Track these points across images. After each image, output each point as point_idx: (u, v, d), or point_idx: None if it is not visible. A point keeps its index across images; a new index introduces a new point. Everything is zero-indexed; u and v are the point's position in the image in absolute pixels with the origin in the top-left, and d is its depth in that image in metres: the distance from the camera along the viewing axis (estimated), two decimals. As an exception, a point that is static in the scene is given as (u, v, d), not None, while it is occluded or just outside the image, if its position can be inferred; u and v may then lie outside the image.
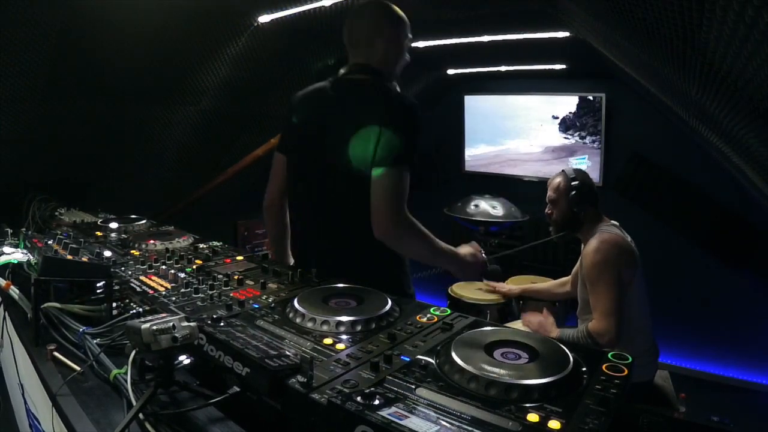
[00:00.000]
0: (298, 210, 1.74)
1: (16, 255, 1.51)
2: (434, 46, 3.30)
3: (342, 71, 1.66)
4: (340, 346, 0.96)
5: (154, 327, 0.85)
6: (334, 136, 1.56)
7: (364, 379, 0.83)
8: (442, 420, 0.70)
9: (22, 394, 1.46)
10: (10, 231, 1.91)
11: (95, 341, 1.10)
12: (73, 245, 1.56)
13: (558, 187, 2.19)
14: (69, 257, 1.47)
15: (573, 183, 2.13)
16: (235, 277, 1.36)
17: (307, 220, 1.69)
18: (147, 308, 1.18)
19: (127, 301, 1.28)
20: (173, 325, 0.87)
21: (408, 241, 1.52)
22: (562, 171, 2.23)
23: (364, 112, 1.53)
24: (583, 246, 2.20)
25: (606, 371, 0.85)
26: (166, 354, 0.90)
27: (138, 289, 1.30)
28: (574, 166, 3.19)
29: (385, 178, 1.46)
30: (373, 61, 1.61)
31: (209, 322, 0.99)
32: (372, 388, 0.76)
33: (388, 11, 1.63)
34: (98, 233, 1.94)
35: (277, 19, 2.56)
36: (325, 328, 1.04)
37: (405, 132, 1.50)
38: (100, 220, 2.20)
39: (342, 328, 1.03)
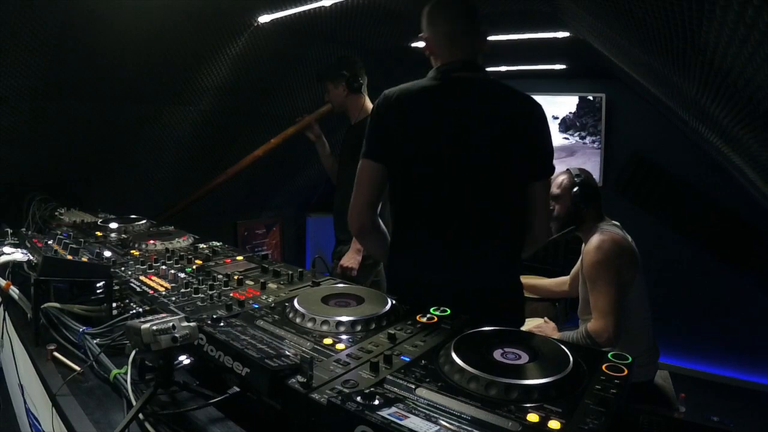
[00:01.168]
0: (429, 221, 1.51)
1: (16, 255, 1.51)
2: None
3: (444, 68, 1.49)
4: (340, 346, 0.96)
5: (154, 327, 0.85)
6: (474, 140, 1.44)
7: (364, 379, 0.83)
8: (442, 420, 0.69)
9: (22, 394, 1.47)
10: (10, 231, 1.90)
11: (95, 341, 1.11)
12: (73, 245, 1.56)
13: (561, 184, 2.20)
14: (69, 257, 1.47)
15: (576, 181, 2.15)
16: (235, 277, 1.36)
17: (449, 229, 1.48)
18: (147, 308, 1.18)
19: (127, 301, 1.28)
20: (173, 325, 0.87)
21: None
22: (567, 169, 2.24)
23: (510, 116, 1.46)
24: (583, 245, 2.20)
25: (606, 371, 0.85)
26: (166, 354, 0.90)
27: (138, 289, 1.30)
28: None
29: (547, 187, 1.55)
30: (476, 57, 1.52)
31: (209, 322, 0.99)
32: (372, 388, 0.76)
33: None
34: (98, 233, 1.94)
35: (277, 19, 2.56)
36: (325, 328, 1.04)
37: (549, 138, 1.51)
38: (100, 220, 2.20)
39: (342, 328, 1.03)
